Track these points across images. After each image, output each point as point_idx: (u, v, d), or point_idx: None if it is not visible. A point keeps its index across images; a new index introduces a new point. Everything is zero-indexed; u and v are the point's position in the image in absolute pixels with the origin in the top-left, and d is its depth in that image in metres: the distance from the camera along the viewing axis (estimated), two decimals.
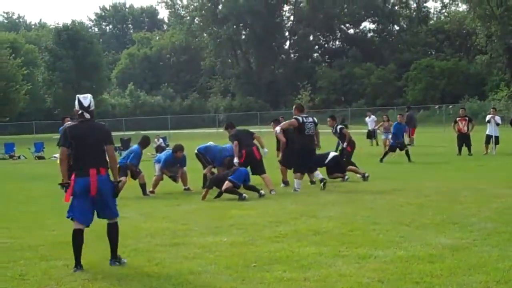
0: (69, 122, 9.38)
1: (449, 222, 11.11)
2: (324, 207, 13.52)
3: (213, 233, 10.94)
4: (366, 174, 19.33)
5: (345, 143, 21.44)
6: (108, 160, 9.12)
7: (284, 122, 18.13)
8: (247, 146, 17.86)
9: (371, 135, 40.49)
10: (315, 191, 17.02)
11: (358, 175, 19.70)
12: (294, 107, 18.09)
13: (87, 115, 8.98)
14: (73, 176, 8.84)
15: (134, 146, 19.22)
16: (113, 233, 9.01)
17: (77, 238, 8.79)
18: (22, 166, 36.32)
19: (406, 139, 31.55)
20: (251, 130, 19.38)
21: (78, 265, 8.72)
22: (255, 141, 18.38)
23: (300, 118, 17.17)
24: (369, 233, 10.29)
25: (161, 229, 11.51)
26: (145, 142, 18.83)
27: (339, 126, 22.15)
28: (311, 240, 9.95)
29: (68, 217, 9.00)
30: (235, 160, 17.78)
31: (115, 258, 8.95)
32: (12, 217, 14.26)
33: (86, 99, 9.01)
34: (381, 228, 10.64)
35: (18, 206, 16.68)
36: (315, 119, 17.75)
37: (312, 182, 18.73)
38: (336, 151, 21.88)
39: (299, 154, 17.40)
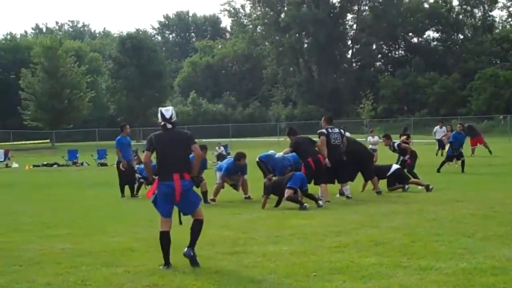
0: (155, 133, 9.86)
1: None
2: (386, 218, 13.40)
3: (274, 242, 10.92)
4: (430, 186, 19.06)
5: (407, 156, 21.32)
6: (194, 157, 9.81)
7: (320, 145, 17.84)
8: (313, 154, 17.53)
9: (440, 145, 39.97)
10: (376, 201, 16.90)
11: (420, 187, 19.47)
12: (323, 118, 18.57)
13: (169, 125, 9.62)
14: (156, 180, 9.44)
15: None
16: (195, 226, 9.52)
17: (164, 240, 9.33)
18: (85, 172, 36.85)
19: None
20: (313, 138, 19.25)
21: (167, 263, 9.25)
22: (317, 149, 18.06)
23: (325, 131, 17.57)
24: (431, 244, 10.14)
25: (221, 237, 11.53)
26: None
27: (396, 143, 22.04)
28: (372, 250, 9.86)
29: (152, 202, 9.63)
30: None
31: (191, 247, 9.34)
32: (74, 223, 14.44)
33: (168, 111, 9.70)
34: (444, 240, 10.49)
35: (80, 212, 16.90)
36: (342, 130, 18.20)
37: (342, 194, 18.32)
38: (397, 163, 21.71)
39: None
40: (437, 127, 41.31)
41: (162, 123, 9.62)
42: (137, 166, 22.16)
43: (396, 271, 8.52)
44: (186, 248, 9.26)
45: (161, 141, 9.54)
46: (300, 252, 9.90)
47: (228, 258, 9.72)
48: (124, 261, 9.47)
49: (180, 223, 9.57)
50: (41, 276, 8.95)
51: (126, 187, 20.90)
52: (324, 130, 17.71)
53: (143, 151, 10.01)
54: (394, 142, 22.15)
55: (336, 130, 18.00)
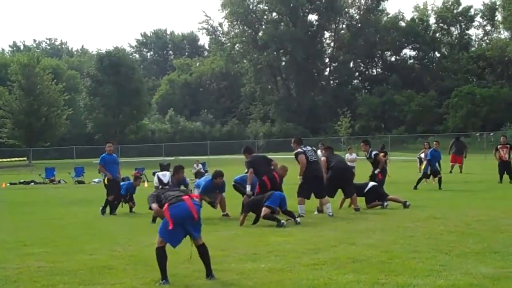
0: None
1: (490, 251, 10.96)
2: (363, 235, 13.43)
3: (251, 259, 10.91)
4: (408, 203, 19.17)
5: (377, 170, 21.50)
6: None
7: (300, 164, 18.13)
8: (268, 172, 17.94)
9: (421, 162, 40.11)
10: (354, 218, 16.94)
11: (398, 203, 19.55)
12: (293, 140, 18.76)
13: (166, 188, 9.97)
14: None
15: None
16: (205, 252, 9.72)
17: (161, 255, 9.47)
18: (62, 190, 36.65)
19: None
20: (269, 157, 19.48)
21: (165, 278, 9.31)
22: (272, 168, 18.40)
23: (301, 149, 17.94)
24: (409, 261, 10.17)
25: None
26: (175, 171, 18.80)
27: (374, 152, 22.16)
28: (349, 267, 9.87)
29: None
30: (248, 188, 17.96)
31: (211, 274, 9.53)
32: (51, 241, 14.35)
33: (165, 177, 10.01)
34: (421, 256, 10.53)
35: (58, 230, 16.81)
36: (313, 148, 18.89)
37: (320, 211, 18.57)
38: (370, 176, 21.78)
39: (305, 180, 17.88)
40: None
41: (160, 187, 10.11)
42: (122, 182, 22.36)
43: None
44: (208, 278, 9.45)
45: (163, 190, 10.02)
46: (278, 270, 9.90)
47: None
48: (101, 279, 9.43)
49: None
50: None
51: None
52: (300, 149, 18.03)
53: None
54: (372, 150, 22.27)
55: (309, 147, 18.50)
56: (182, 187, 18.28)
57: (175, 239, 9.44)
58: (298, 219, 16.11)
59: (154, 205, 9.62)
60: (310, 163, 17.84)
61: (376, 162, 21.92)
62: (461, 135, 45.11)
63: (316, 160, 18.16)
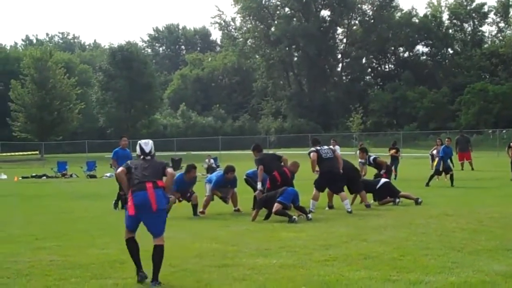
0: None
1: (502, 248, 10.91)
2: (375, 231, 13.39)
3: (263, 255, 10.89)
4: (420, 200, 19.15)
5: (382, 170, 21.78)
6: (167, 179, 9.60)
7: (311, 161, 18.34)
8: (278, 168, 18.18)
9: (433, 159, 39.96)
10: (365, 215, 16.91)
11: (410, 200, 19.53)
12: (311, 141, 19.38)
13: (148, 158, 9.63)
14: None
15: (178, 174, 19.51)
16: (159, 254, 9.15)
17: (130, 246, 9.35)
18: (74, 184, 36.73)
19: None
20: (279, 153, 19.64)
21: (140, 271, 9.15)
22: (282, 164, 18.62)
23: (314, 149, 18.15)
24: (421, 258, 10.13)
25: (210, 250, 11.50)
26: (187, 170, 18.82)
27: (372, 157, 22.47)
28: (361, 264, 9.84)
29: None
30: (259, 186, 17.96)
31: (156, 280, 8.99)
32: (63, 235, 14.38)
33: (148, 145, 9.58)
34: (433, 254, 10.49)
35: (69, 224, 16.83)
36: (331, 147, 19.22)
37: (330, 207, 18.84)
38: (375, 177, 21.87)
39: (320, 175, 18.21)
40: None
41: (141, 156, 9.61)
42: None
43: (386, 285, 8.51)
44: (151, 283, 8.95)
45: (137, 164, 9.50)
46: (289, 265, 9.88)
47: (217, 271, 9.69)
48: (113, 274, 9.44)
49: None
50: None
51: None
52: (313, 148, 18.32)
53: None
54: (370, 156, 22.64)
55: (325, 147, 18.67)
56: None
57: (130, 224, 9.33)
58: (310, 215, 16.09)
59: (120, 169, 9.55)
60: (324, 160, 18.00)
61: (378, 165, 22.27)
62: (464, 132, 44.82)
63: (331, 157, 18.16)
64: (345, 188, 19.01)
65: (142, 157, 9.59)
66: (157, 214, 9.09)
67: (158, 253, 9.05)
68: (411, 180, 30.06)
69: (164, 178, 9.45)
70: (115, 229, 10.22)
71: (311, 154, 18.20)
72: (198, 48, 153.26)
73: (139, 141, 9.82)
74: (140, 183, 9.15)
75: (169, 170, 9.51)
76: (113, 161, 21.56)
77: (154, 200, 9.00)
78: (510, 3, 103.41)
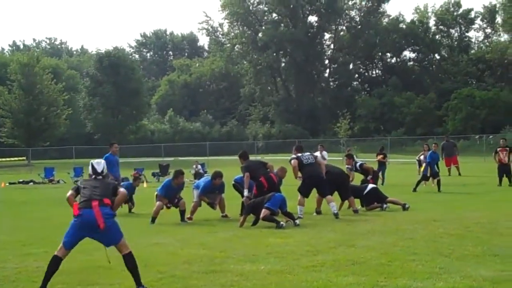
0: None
1: (489, 254, 10.94)
2: (363, 237, 13.41)
3: (251, 261, 10.89)
4: (407, 205, 19.20)
5: (369, 176, 21.98)
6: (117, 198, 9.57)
7: (292, 169, 18.65)
8: (264, 173, 18.17)
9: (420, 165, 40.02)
10: (353, 220, 16.94)
11: (398, 206, 19.58)
12: (293, 148, 19.39)
13: (99, 177, 9.60)
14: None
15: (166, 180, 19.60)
16: (131, 262, 9.13)
17: (53, 263, 9.17)
18: (61, 190, 36.57)
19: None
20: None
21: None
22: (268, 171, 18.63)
23: (295, 156, 18.52)
24: (408, 264, 10.16)
25: (198, 256, 11.48)
26: (174, 176, 18.86)
27: (358, 163, 22.72)
28: (349, 270, 9.85)
29: None
30: (245, 193, 18.00)
31: (140, 285, 8.96)
32: (50, 241, 14.31)
33: (100, 165, 9.50)
34: (420, 259, 10.51)
35: (57, 230, 16.72)
36: (313, 154, 19.46)
37: (318, 212, 18.93)
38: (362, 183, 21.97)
39: (304, 182, 18.37)
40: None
41: (93, 175, 9.61)
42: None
43: None
44: None
45: (87, 184, 9.48)
46: (277, 271, 9.88)
47: (205, 277, 9.68)
48: (100, 280, 9.42)
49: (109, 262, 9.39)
50: None
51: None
52: (294, 155, 18.66)
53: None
54: (356, 162, 22.89)
55: (307, 153, 19.00)
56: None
57: (70, 241, 9.16)
58: (297, 221, 16.11)
59: (69, 193, 9.51)
60: (305, 165, 18.29)
61: (365, 171, 22.51)
62: (450, 137, 44.89)
63: (312, 163, 18.44)
64: (336, 193, 19.14)
65: (94, 176, 9.58)
66: (106, 229, 8.99)
67: (129, 261, 9.05)
68: (398, 185, 30.14)
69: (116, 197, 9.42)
70: None
71: (292, 161, 18.50)
72: (186, 54, 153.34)
73: (91, 161, 9.80)
74: (86, 201, 9.12)
75: (121, 190, 9.52)
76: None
77: (101, 218, 8.92)
78: (497, 9, 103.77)
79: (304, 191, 18.21)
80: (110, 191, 9.36)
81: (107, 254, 9.33)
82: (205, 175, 39.66)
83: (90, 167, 9.60)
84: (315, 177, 18.20)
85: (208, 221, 17.98)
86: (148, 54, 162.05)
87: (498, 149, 29.25)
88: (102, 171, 9.56)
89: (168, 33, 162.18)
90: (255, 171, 18.34)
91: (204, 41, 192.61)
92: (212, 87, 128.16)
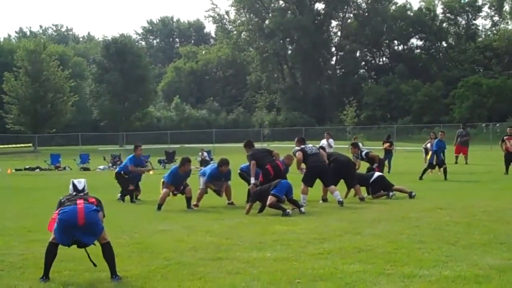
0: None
1: (496, 242, 10.91)
2: (369, 225, 13.39)
3: (257, 248, 10.88)
4: (413, 193, 19.18)
5: (375, 164, 22.01)
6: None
7: (296, 161, 18.80)
8: (271, 161, 18.26)
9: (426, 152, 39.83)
10: (359, 208, 16.93)
11: (404, 194, 19.57)
12: (296, 140, 19.48)
13: (81, 194, 9.58)
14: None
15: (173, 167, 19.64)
16: (108, 251, 9.15)
17: (50, 250, 9.15)
18: (67, 177, 36.60)
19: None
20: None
21: (45, 275, 9.02)
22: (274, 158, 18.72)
23: (299, 148, 18.70)
24: (414, 252, 10.14)
25: (204, 243, 11.47)
26: (181, 163, 18.94)
27: (364, 152, 22.71)
28: (355, 257, 9.84)
29: None
30: (252, 180, 18.01)
31: (115, 274, 8.98)
32: None
33: (80, 183, 9.52)
34: (427, 247, 10.49)
35: None
36: (316, 146, 19.84)
37: (324, 200, 19.00)
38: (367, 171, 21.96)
39: (308, 170, 18.46)
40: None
41: (74, 193, 9.61)
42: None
43: (380, 278, 8.51)
44: (112, 279, 8.91)
45: (69, 197, 9.46)
46: (283, 259, 9.87)
47: (211, 264, 9.67)
48: (106, 267, 9.40)
49: (94, 265, 9.30)
50: (23, 281, 8.93)
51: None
52: (298, 147, 18.79)
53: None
54: (362, 151, 22.93)
55: (310, 145, 19.29)
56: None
57: (62, 239, 9.05)
58: (303, 209, 16.12)
59: (52, 218, 9.31)
60: (310, 155, 18.39)
61: (371, 159, 22.52)
62: (467, 124, 44.78)
63: (317, 152, 18.58)
64: (342, 182, 19.16)
65: (74, 193, 9.61)
66: (86, 225, 8.93)
67: (106, 251, 9.06)
68: (404, 173, 30.10)
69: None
70: (109, 222, 10.19)
71: (297, 153, 18.56)
72: (192, 41, 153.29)
73: (72, 179, 9.91)
74: (72, 200, 9.21)
75: (100, 214, 9.39)
76: (131, 167, 21.50)
77: (82, 214, 8.89)
78: None
79: (308, 181, 18.21)
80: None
81: (91, 259, 9.27)
82: (211, 162, 39.72)
83: (71, 185, 9.62)
84: (320, 167, 18.24)
85: (214, 208, 17.99)
86: (155, 41, 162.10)
87: (505, 138, 29.15)
88: (84, 189, 9.58)
89: (174, 20, 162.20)
90: (261, 159, 18.36)
91: (210, 28, 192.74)
92: (218, 74, 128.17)
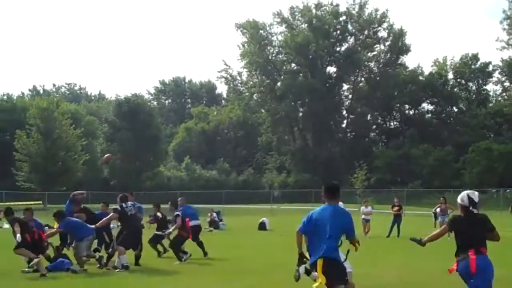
0: None
1: None
2: None
3: None
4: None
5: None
6: None
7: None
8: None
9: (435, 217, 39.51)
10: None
11: None
12: (118, 198, 20.07)
13: None
14: None
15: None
16: None
17: None
18: None
19: None
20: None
21: None
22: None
23: (119, 207, 19.57)
24: None
25: None
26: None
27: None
28: None
29: None
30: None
31: None
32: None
33: None
34: None
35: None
36: (135, 203, 21.00)
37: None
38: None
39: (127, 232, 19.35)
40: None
41: None
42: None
43: None
44: None
45: None
46: None
47: None
48: None
49: None
50: None
51: None
52: (118, 207, 19.86)
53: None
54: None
55: (130, 203, 20.10)
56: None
57: None
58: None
59: None
60: (128, 217, 19.35)
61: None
62: (478, 190, 44.57)
63: (134, 213, 19.61)
64: None
65: None
66: None
67: None
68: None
69: None
70: None
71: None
72: (204, 102, 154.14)
73: None
74: None
75: None
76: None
77: None
78: None
79: (127, 244, 18.99)
80: None
81: None
82: (220, 223, 39.69)
83: None
84: (134, 228, 19.25)
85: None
86: (167, 102, 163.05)
87: None
88: None
89: (187, 80, 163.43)
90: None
91: (222, 89, 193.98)
92: (229, 135, 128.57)
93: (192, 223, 21.99)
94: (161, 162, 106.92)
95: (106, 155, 27.10)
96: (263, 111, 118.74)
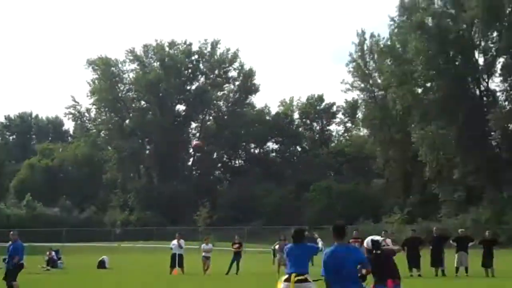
0: None
1: None
2: None
3: None
4: None
5: None
6: None
7: None
8: None
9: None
10: None
11: None
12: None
13: None
14: None
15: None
16: None
17: None
18: None
19: None
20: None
21: None
22: None
23: None
24: None
25: None
26: None
27: None
28: None
29: None
30: None
31: None
32: None
33: None
34: None
35: None
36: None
37: None
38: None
39: None
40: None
41: None
42: None
43: None
44: None
45: None
46: None
47: None
48: None
49: None
50: None
51: None
52: None
53: None
54: None
55: None
56: None
57: None
58: None
59: None
60: None
61: None
62: (316, 228, 45.57)
63: None
64: None
65: None
66: None
67: None
68: (255, 274, 30.37)
69: None
70: None
71: None
72: (50, 138, 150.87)
73: None
74: None
75: None
76: None
77: None
78: (358, 104, 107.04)
79: None
80: None
81: None
82: (59, 262, 39.02)
83: None
84: None
85: None
86: (11, 137, 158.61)
87: (351, 240, 30.00)
88: None
89: (33, 116, 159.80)
90: None
91: (69, 125, 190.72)
92: (74, 172, 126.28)
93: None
94: (1, 199, 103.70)
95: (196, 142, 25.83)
96: (109, 148, 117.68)
